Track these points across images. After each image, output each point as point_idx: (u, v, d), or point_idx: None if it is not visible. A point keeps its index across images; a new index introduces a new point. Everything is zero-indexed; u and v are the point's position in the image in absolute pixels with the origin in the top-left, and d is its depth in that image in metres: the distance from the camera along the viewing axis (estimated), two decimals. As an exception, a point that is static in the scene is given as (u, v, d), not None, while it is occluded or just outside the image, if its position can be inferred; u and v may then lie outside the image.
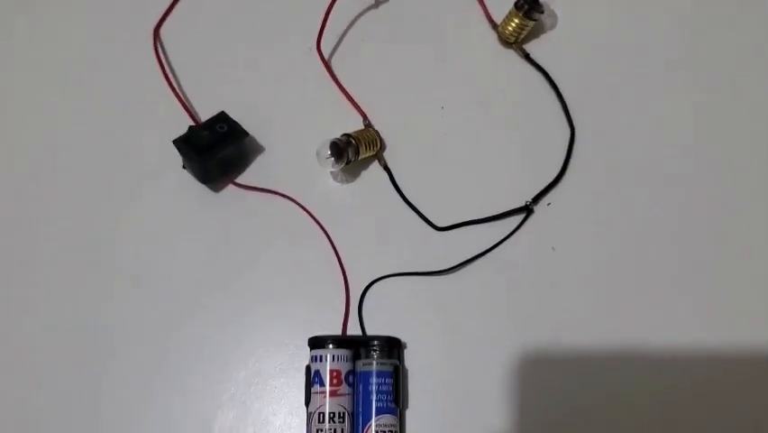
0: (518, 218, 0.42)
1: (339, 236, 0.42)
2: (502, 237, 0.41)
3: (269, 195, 0.43)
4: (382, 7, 0.48)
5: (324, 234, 0.42)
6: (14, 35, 0.49)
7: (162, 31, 0.47)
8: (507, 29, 0.45)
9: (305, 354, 0.38)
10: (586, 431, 0.39)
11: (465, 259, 0.41)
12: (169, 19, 0.47)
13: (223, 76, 0.46)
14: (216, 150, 0.41)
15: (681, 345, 0.40)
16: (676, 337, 0.40)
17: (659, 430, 0.39)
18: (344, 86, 0.44)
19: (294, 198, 0.43)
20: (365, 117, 0.44)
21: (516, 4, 0.44)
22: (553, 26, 0.47)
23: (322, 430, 0.36)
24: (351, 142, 0.42)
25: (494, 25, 0.46)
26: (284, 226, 0.42)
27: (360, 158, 0.42)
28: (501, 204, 0.42)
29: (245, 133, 0.43)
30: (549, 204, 0.42)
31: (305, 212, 0.42)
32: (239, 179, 0.44)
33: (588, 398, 0.40)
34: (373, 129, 0.44)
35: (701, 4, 0.48)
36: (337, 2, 0.44)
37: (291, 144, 0.44)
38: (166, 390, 0.40)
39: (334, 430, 0.36)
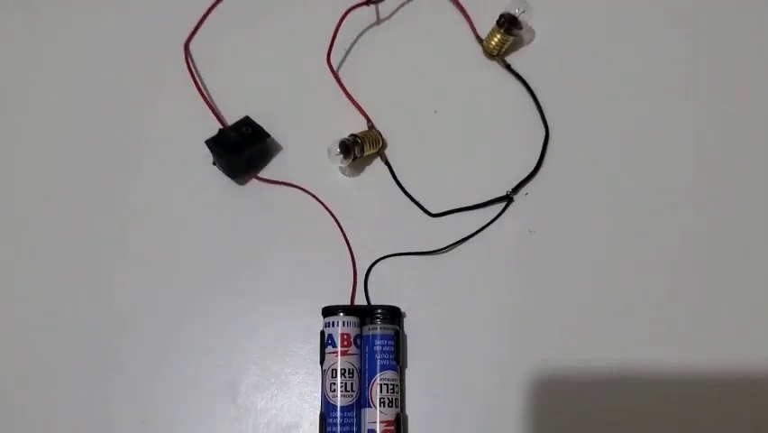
0: (501, 206, 0.44)
1: (347, 222, 0.44)
2: (487, 222, 0.44)
3: (286, 187, 0.45)
4: (383, 24, 0.49)
5: (333, 221, 0.44)
6: (61, 49, 0.50)
7: (192, 45, 0.48)
8: (491, 43, 0.47)
9: (318, 323, 0.41)
10: (575, 394, 0.41)
11: (455, 241, 0.43)
12: (197, 35, 0.48)
13: (246, 85, 0.48)
14: (242, 149, 0.44)
15: (641, 316, 0.42)
16: (633, 310, 0.42)
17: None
18: (350, 93, 0.46)
19: (308, 189, 0.45)
20: (369, 120, 0.46)
21: (497, 22, 0.46)
22: (530, 41, 0.48)
23: (335, 383, 0.39)
24: (357, 142, 0.44)
25: (479, 40, 0.48)
26: (300, 214, 0.45)
27: (364, 155, 0.45)
28: (486, 193, 0.44)
29: (267, 135, 0.45)
30: (527, 193, 0.45)
31: (317, 202, 0.45)
32: (261, 174, 0.46)
33: (568, 358, 0.41)
34: (376, 130, 0.46)
35: (661, 20, 0.49)
36: (344, 21, 0.46)
37: (306, 144, 0.46)
38: (197, 354, 0.42)
39: (345, 383, 0.39)
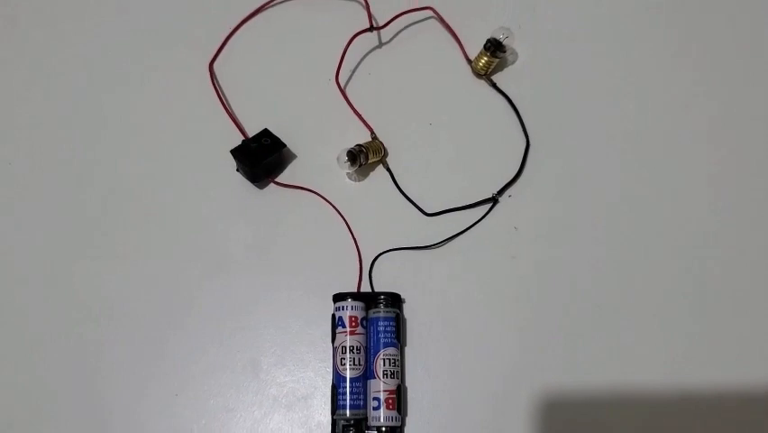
0: (487, 206, 0.47)
1: (353, 221, 0.47)
2: (476, 220, 0.47)
3: (301, 191, 0.48)
4: (384, 48, 0.52)
5: (342, 219, 0.47)
6: (102, 73, 0.52)
7: (216, 65, 0.51)
8: (479, 64, 0.50)
9: (329, 308, 0.44)
10: (558, 371, 0.43)
11: (448, 237, 0.46)
12: (220, 56, 0.51)
13: (265, 100, 0.50)
14: (262, 157, 0.46)
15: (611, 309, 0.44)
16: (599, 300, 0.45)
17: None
18: (356, 108, 0.49)
19: (319, 192, 0.47)
20: (372, 131, 0.48)
21: (485, 46, 0.49)
22: (513, 62, 0.51)
23: (344, 359, 0.42)
24: (362, 151, 0.46)
25: (469, 61, 0.50)
26: (312, 214, 0.47)
27: (368, 162, 0.47)
28: (475, 195, 0.47)
29: (283, 145, 0.47)
30: (510, 196, 0.47)
31: (327, 203, 0.47)
32: (278, 179, 0.48)
33: (547, 337, 0.44)
34: (378, 140, 0.48)
35: (628, 42, 0.51)
36: (351, 45, 0.49)
37: (317, 152, 0.49)
38: (224, 336, 0.45)
39: (353, 358, 0.42)
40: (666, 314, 0.45)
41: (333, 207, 0.47)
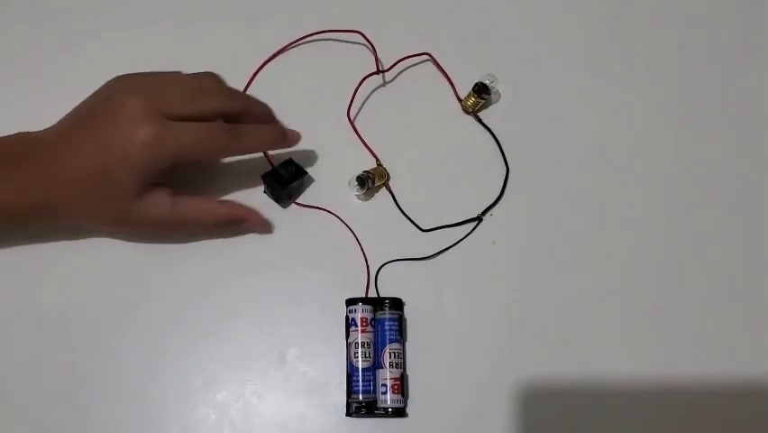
0: (473, 224, 0.51)
1: (361, 236, 0.50)
2: (463, 235, 0.51)
3: (318, 210, 0.51)
4: (388, 87, 0.56)
5: (352, 235, 0.50)
6: None
7: None
8: (467, 103, 0.54)
9: (342, 311, 0.48)
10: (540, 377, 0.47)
11: (441, 249, 0.50)
12: (248, 91, 0.53)
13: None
14: (286, 182, 0.50)
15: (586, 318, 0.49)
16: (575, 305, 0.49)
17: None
18: (364, 139, 0.52)
19: (333, 211, 0.51)
20: (377, 159, 0.52)
21: (473, 88, 0.53)
22: (497, 101, 0.55)
23: (357, 352, 0.46)
24: (369, 176, 0.50)
25: (459, 100, 0.54)
26: (327, 230, 0.51)
27: (374, 186, 0.51)
28: (462, 214, 0.51)
29: (304, 171, 0.51)
30: (491, 215, 0.51)
31: (340, 221, 0.51)
32: (299, 200, 0.52)
33: (518, 330, 0.49)
34: (383, 167, 0.52)
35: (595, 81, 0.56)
36: (361, 86, 0.53)
37: (332, 178, 0.52)
38: (256, 332, 0.49)
39: (364, 352, 0.46)
40: (630, 312, 0.50)
41: (345, 223, 0.51)
